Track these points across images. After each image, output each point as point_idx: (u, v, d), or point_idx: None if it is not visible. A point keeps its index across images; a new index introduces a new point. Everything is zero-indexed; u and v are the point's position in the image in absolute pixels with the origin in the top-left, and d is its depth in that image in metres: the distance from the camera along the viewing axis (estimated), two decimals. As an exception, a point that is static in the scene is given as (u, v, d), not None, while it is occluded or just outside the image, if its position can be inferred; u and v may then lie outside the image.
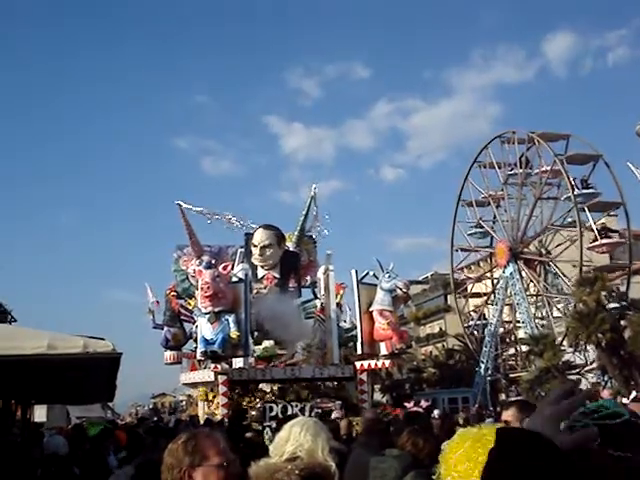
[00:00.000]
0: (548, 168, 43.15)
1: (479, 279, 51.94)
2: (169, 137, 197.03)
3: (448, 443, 2.45)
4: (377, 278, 23.53)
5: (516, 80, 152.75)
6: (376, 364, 22.89)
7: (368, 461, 6.15)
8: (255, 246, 25.17)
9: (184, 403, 66.04)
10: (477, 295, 51.96)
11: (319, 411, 18.63)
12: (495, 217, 48.46)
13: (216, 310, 21.01)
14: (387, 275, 23.25)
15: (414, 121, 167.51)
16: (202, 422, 17.63)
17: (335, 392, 21.87)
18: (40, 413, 23.02)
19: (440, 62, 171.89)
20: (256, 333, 23.19)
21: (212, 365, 21.73)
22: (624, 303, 34.59)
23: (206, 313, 21.21)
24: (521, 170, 45.08)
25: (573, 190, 41.12)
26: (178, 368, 27.09)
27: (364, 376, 22.25)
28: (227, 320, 21.12)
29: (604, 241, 41.46)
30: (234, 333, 20.99)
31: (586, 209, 41.31)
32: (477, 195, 49.16)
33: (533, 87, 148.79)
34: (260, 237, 25.34)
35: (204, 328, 21.29)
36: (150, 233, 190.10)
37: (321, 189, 27.72)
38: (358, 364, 22.23)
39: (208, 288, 20.81)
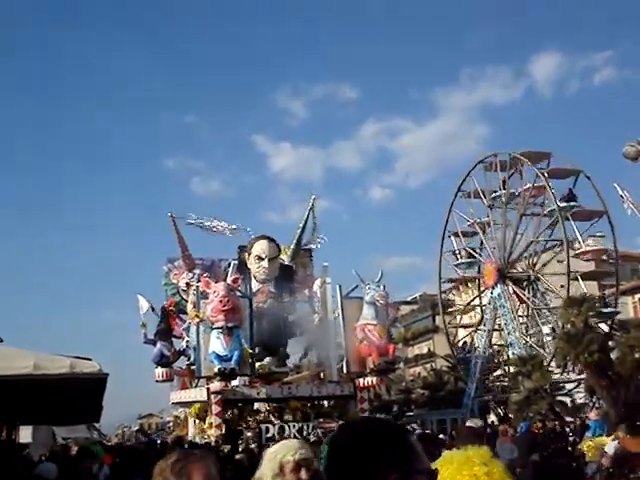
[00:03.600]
0: (530, 185, 43.89)
1: (468, 305, 52.08)
2: (158, 157, 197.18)
3: (436, 464, 2.46)
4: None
5: (503, 100, 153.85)
6: (364, 382, 22.26)
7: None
8: (261, 258, 24.09)
9: (171, 424, 65.67)
10: (465, 315, 52.03)
11: (319, 432, 18.27)
12: (482, 243, 48.84)
13: (229, 325, 19.97)
14: (367, 287, 22.66)
15: (402, 141, 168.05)
16: (187, 445, 17.08)
17: (338, 411, 21.20)
18: (25, 434, 22.72)
19: (428, 82, 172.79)
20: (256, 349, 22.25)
21: (218, 383, 20.78)
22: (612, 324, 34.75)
23: (216, 328, 20.09)
24: (504, 191, 45.50)
25: (557, 202, 41.94)
26: (166, 387, 26.62)
27: (365, 394, 21.75)
28: (239, 336, 20.17)
29: (589, 248, 42.33)
30: (248, 350, 20.26)
31: (570, 218, 41.87)
32: (463, 222, 49.67)
33: (520, 107, 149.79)
34: (268, 249, 24.28)
35: (214, 344, 20.10)
36: (137, 252, 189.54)
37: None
38: (360, 382, 21.57)
39: (228, 302, 19.80)
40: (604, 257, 45.13)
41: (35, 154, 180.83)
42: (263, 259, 23.82)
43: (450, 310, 52.32)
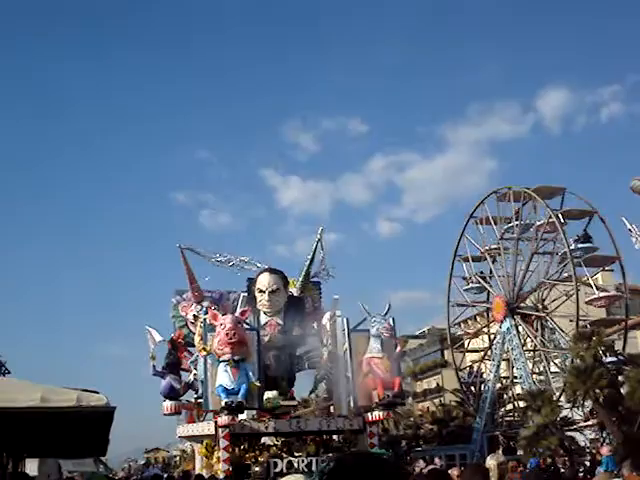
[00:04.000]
0: (544, 222, 43.40)
1: (476, 334, 51.76)
2: (168, 191, 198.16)
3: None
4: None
5: (511, 135, 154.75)
6: (372, 416, 22.00)
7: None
8: (262, 291, 24.01)
9: (178, 458, 65.25)
10: (474, 350, 51.70)
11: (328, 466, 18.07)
12: (491, 272, 48.51)
13: (235, 358, 19.76)
14: (373, 320, 22.34)
15: (410, 175, 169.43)
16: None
17: (347, 446, 20.87)
18: (32, 466, 22.62)
19: (436, 116, 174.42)
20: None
21: (226, 417, 20.57)
22: (621, 357, 34.45)
23: (223, 361, 19.86)
24: (517, 222, 45.33)
25: (569, 245, 41.28)
26: (173, 421, 26.41)
27: (374, 429, 21.49)
28: (246, 369, 19.93)
29: (602, 294, 41.48)
30: (255, 383, 19.88)
31: (582, 264, 41.51)
32: (473, 250, 49.26)
33: (528, 142, 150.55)
34: (268, 281, 24.16)
35: (221, 376, 19.85)
36: (145, 285, 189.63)
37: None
38: (369, 416, 21.32)
39: (234, 334, 19.60)
40: (614, 292, 44.93)
41: (43, 181, 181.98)
42: (264, 292, 23.71)
43: (458, 345, 51.99)
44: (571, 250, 41.07)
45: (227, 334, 19.52)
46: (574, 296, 40.32)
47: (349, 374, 22.03)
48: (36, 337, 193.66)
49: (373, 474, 1.58)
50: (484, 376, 48.54)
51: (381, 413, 21.72)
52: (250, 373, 19.84)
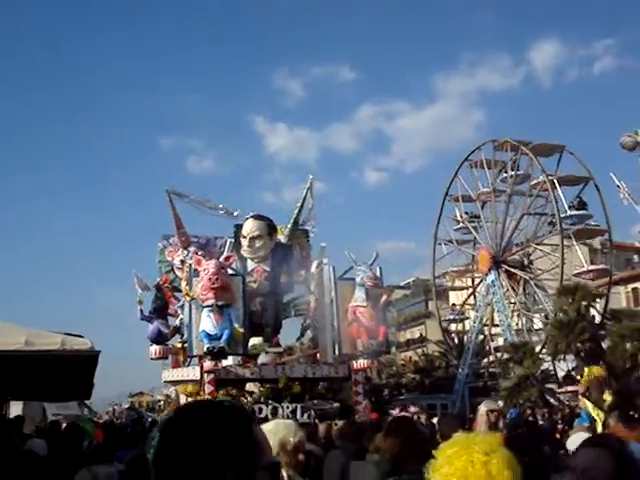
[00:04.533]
0: (538, 181, 43.46)
1: (461, 288, 52.14)
2: (154, 135, 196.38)
3: (440, 447, 2.42)
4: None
5: (502, 87, 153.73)
6: (357, 364, 22.11)
7: (341, 464, 6.11)
8: (244, 237, 23.96)
9: (162, 403, 65.81)
10: (458, 301, 52.08)
11: (313, 413, 18.13)
12: (480, 219, 48.44)
13: (219, 303, 19.46)
14: (358, 269, 22.24)
15: (399, 124, 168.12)
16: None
17: (332, 393, 20.98)
18: (16, 409, 22.67)
19: (427, 66, 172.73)
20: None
21: (209, 362, 20.52)
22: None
23: (207, 306, 19.58)
24: (512, 173, 45.30)
25: (560, 215, 41.40)
26: (158, 366, 26.37)
27: (359, 376, 21.57)
28: (229, 314, 19.65)
29: (591, 267, 42.29)
30: (238, 329, 19.78)
31: (572, 236, 41.89)
32: (465, 192, 49.03)
33: (518, 94, 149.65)
34: (250, 227, 23.94)
35: (205, 322, 19.63)
36: (131, 229, 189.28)
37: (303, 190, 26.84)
38: (354, 364, 21.40)
39: (217, 280, 19.24)
40: (599, 246, 45.26)
41: (30, 123, 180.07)
42: (245, 237, 23.49)
43: (442, 297, 52.36)
44: (564, 217, 41.18)
45: (210, 279, 19.36)
46: (559, 257, 40.66)
47: (335, 322, 22.07)
48: (20, 281, 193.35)
49: (211, 420, 1.50)
50: (467, 327, 49.00)
51: (365, 361, 21.81)
52: (234, 319, 19.77)
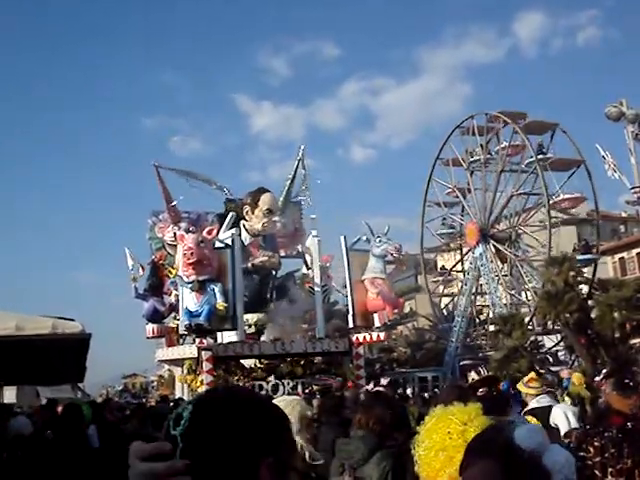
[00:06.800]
0: (507, 144, 44.69)
1: (449, 250, 52.74)
2: (138, 116, 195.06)
3: (425, 419, 2.50)
4: (369, 243, 22.37)
5: (487, 59, 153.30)
6: (371, 337, 21.90)
7: (328, 440, 6.22)
8: (271, 211, 22.84)
9: (155, 383, 65.92)
10: (447, 274, 52.34)
11: (314, 388, 18.04)
12: (464, 209, 49.42)
13: (200, 279, 18.81)
14: (378, 240, 21.88)
15: (384, 100, 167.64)
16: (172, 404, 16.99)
17: (333, 368, 20.65)
18: (9, 394, 22.72)
19: (411, 40, 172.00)
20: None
21: (197, 340, 20.12)
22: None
23: (189, 282, 18.96)
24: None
25: (534, 152, 42.53)
26: (151, 347, 25.94)
27: (360, 350, 21.25)
28: (213, 290, 19.01)
29: (568, 196, 42.74)
30: (221, 305, 18.97)
31: (548, 168, 42.55)
32: (443, 190, 50.03)
33: (503, 66, 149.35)
34: (271, 201, 23.43)
35: (187, 299, 19.11)
36: (118, 212, 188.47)
37: (291, 167, 26.50)
38: (354, 337, 21.27)
39: (192, 254, 18.58)
40: (585, 216, 45.47)
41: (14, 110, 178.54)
42: (273, 212, 22.95)
43: (431, 270, 52.64)
44: (538, 159, 42.07)
45: (185, 254, 18.81)
46: (545, 208, 41.34)
47: (347, 294, 21.93)
48: (9, 265, 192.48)
49: (252, 406, 1.50)
50: (457, 301, 49.28)
51: (382, 334, 21.79)
52: (218, 295, 19.21)
